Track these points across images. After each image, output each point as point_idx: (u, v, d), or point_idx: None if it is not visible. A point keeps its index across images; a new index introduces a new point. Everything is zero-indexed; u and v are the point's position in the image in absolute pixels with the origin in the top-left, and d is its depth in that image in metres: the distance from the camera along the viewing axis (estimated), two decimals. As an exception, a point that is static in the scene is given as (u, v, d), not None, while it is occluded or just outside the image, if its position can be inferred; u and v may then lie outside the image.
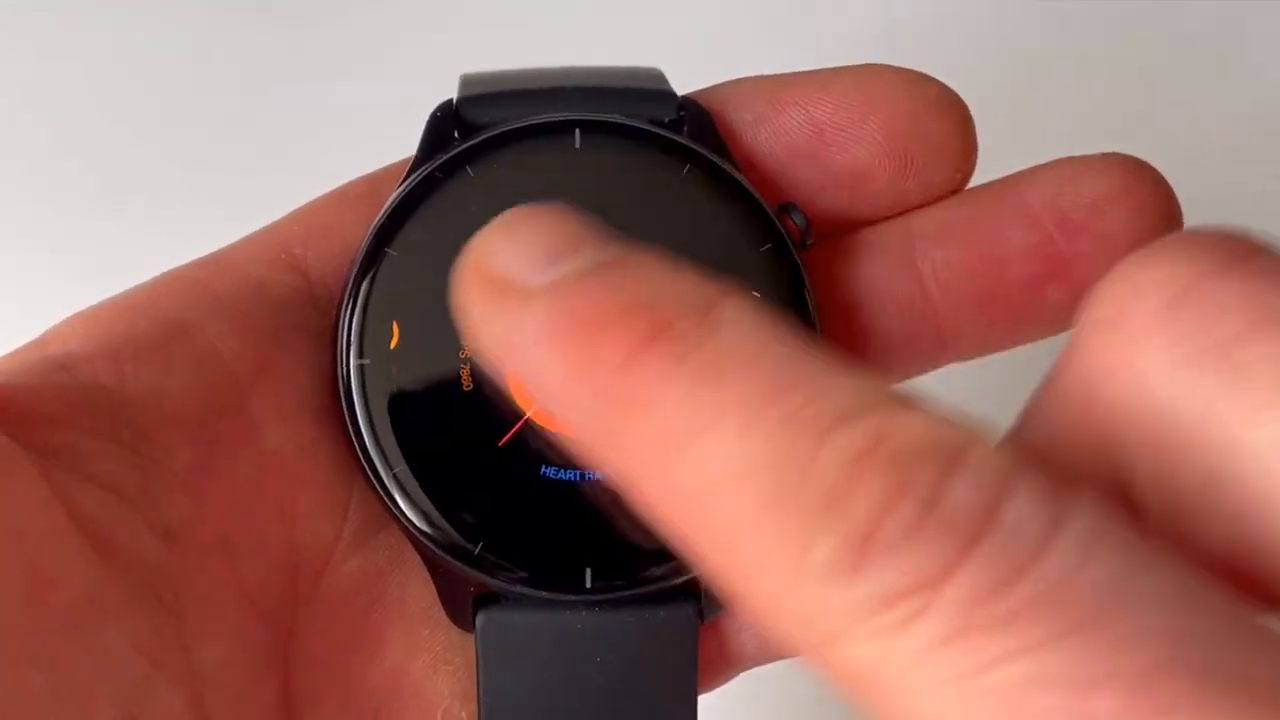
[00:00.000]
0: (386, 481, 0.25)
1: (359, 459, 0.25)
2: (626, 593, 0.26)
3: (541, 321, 0.17)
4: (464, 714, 0.27)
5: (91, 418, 0.23)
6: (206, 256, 0.26)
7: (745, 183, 0.26)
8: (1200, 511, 0.16)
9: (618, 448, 0.16)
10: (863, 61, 0.27)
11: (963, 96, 0.27)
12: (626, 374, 0.16)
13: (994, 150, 0.28)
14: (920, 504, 0.15)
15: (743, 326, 0.16)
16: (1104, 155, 0.26)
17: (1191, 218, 0.27)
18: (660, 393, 0.16)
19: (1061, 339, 0.27)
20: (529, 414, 0.25)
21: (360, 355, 0.25)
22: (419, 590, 0.26)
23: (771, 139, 0.27)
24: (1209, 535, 0.16)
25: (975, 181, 0.28)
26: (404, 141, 0.27)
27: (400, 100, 0.27)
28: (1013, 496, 0.15)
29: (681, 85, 0.27)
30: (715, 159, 0.26)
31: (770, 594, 0.16)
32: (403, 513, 0.25)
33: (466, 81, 0.27)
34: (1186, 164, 0.30)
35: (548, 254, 0.17)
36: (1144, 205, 0.26)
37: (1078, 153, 0.27)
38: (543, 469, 0.25)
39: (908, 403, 0.16)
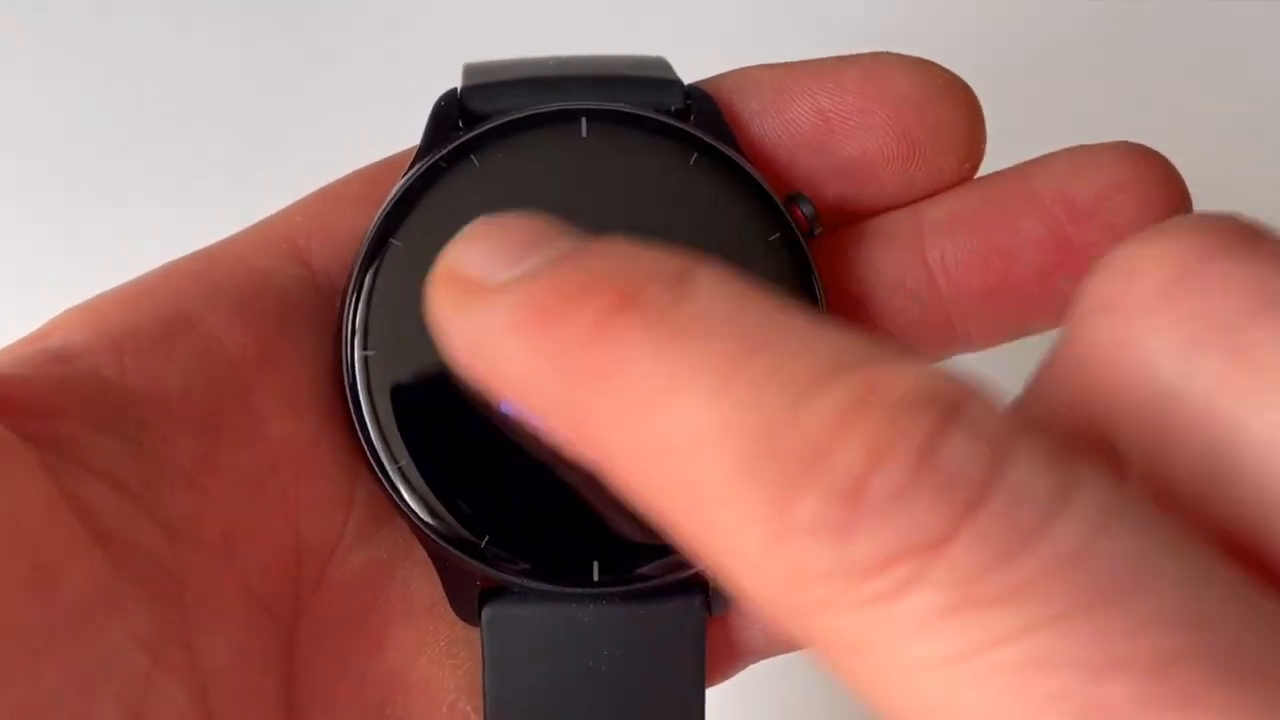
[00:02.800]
0: (391, 474, 0.25)
1: (364, 452, 0.25)
2: (634, 586, 0.25)
3: (507, 310, 0.16)
4: (470, 709, 0.26)
5: (92, 409, 0.23)
6: (208, 248, 0.26)
7: (753, 172, 0.26)
8: (1199, 496, 0.15)
9: (588, 423, 0.16)
10: (871, 50, 0.27)
11: (972, 85, 0.27)
12: (593, 344, 0.15)
13: (1005, 140, 0.28)
14: (915, 457, 0.14)
15: (716, 291, 0.15)
16: (1114, 144, 0.26)
17: (1203, 208, 0.27)
18: (628, 358, 0.15)
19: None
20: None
21: (365, 347, 0.25)
22: (424, 584, 0.26)
23: (778, 128, 0.27)
24: (1206, 520, 0.15)
25: (986, 170, 0.27)
26: (416, 132, 0.27)
27: (411, 91, 0.27)
28: (1018, 456, 0.14)
29: (688, 75, 0.27)
30: (722, 148, 0.26)
31: (750, 562, 0.14)
32: (408, 506, 0.25)
33: (470, 71, 0.27)
34: (1199, 153, 0.30)
35: (513, 251, 0.17)
36: (1154, 194, 0.26)
37: (1089, 141, 0.27)
38: (550, 461, 0.25)
39: (899, 355, 0.15)
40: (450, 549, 0.25)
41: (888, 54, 0.27)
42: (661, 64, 0.27)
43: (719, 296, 0.15)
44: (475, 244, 0.17)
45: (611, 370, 0.15)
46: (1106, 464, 0.15)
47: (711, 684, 0.27)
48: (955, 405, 0.14)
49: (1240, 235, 0.16)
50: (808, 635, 0.15)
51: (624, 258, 0.16)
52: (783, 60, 0.28)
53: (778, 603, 0.15)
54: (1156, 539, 0.14)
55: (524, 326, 0.16)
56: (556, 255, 0.16)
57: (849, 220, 0.27)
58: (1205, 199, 0.27)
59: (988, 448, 0.14)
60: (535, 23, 0.46)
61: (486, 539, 0.25)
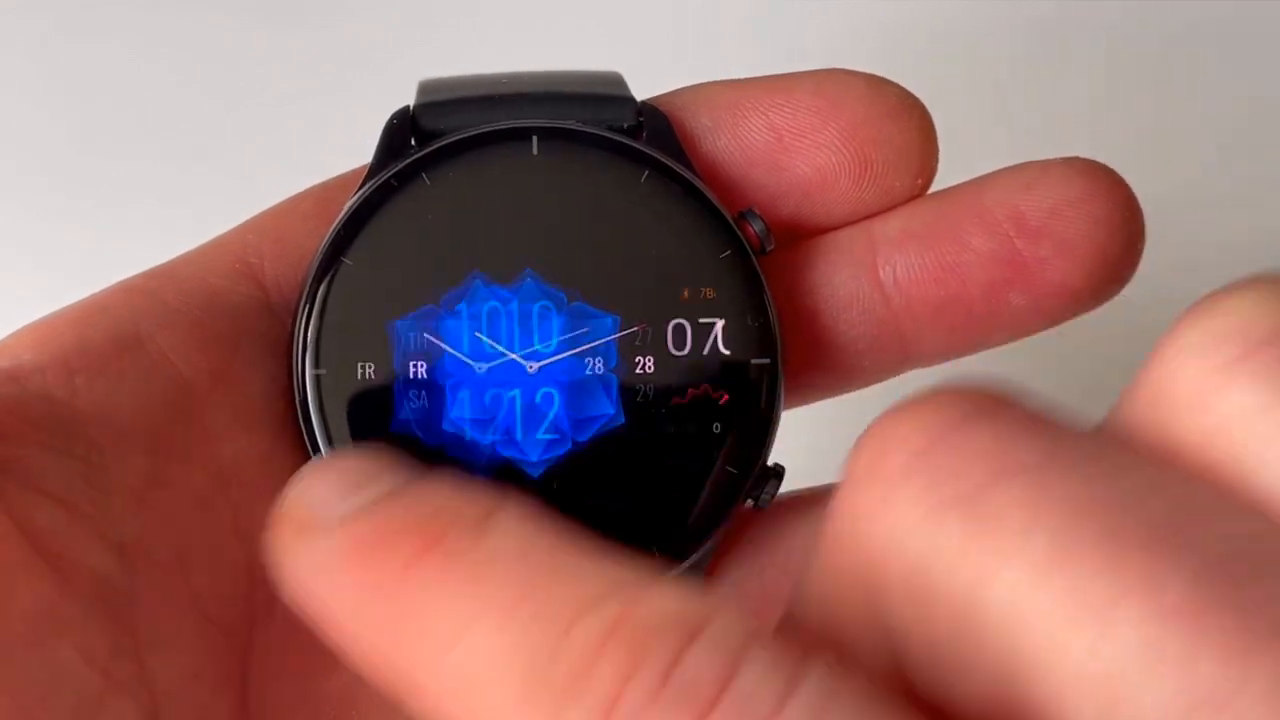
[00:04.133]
0: None
1: None
2: None
3: (334, 548, 0.18)
4: (424, 726, 0.26)
5: (42, 431, 0.23)
6: (159, 266, 0.26)
7: (704, 189, 0.26)
8: (956, 665, 0.16)
9: (397, 663, 0.17)
10: (827, 66, 0.27)
11: (926, 102, 0.27)
12: (404, 584, 0.17)
13: (959, 156, 0.28)
14: (659, 673, 0.15)
15: (511, 532, 0.17)
16: (1065, 159, 0.26)
17: (1155, 222, 0.27)
18: (431, 597, 0.17)
19: (1023, 344, 0.27)
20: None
21: (316, 365, 0.25)
22: (378, 601, 0.26)
23: (731, 144, 0.27)
24: (967, 688, 0.16)
25: (941, 186, 0.27)
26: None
27: (379, 104, 0.27)
28: (748, 663, 0.15)
29: (648, 90, 0.27)
30: (674, 165, 0.26)
31: None
32: None
33: (424, 88, 0.27)
34: (1152, 168, 0.30)
35: (343, 489, 0.18)
36: (1105, 209, 0.26)
37: (1042, 157, 0.27)
38: (502, 478, 0.25)
39: (656, 582, 0.16)
40: None
41: (841, 70, 0.27)
42: (615, 80, 0.27)
43: (512, 537, 0.17)
44: (313, 480, 0.19)
45: (417, 609, 0.17)
46: (835, 656, 0.16)
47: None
48: (698, 625, 0.16)
49: (984, 404, 0.16)
50: None
51: (438, 499, 0.18)
52: (743, 76, 0.28)
53: None
54: (870, 717, 0.15)
55: (347, 565, 0.18)
56: (381, 492, 0.18)
57: (802, 236, 0.27)
58: (1157, 215, 0.27)
59: (722, 659, 0.15)
60: (520, 35, 0.46)
61: None
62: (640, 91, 0.27)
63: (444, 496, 0.18)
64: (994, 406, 0.16)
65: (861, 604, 0.17)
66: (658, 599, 0.16)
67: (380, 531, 0.18)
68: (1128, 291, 0.27)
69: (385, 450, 0.19)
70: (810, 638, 0.17)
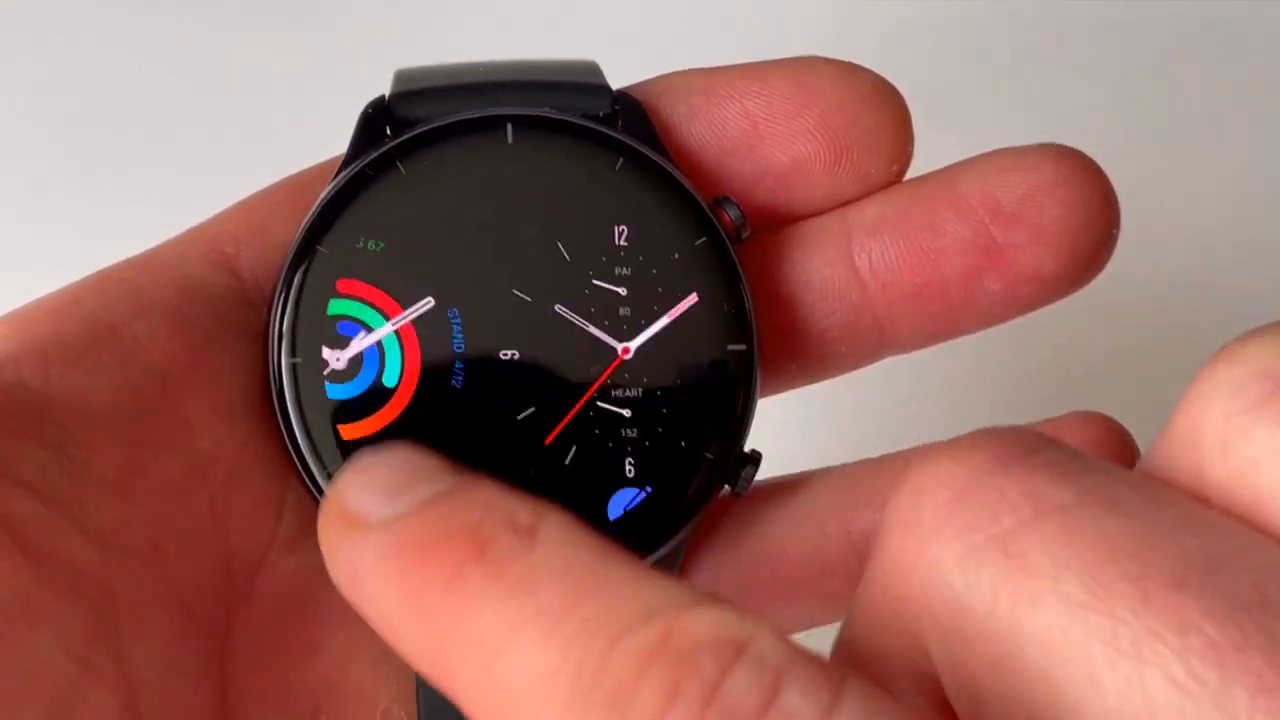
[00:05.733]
0: (320, 481, 0.25)
1: (292, 458, 0.25)
2: None
3: (379, 550, 0.18)
4: (404, 714, 0.26)
5: (17, 419, 0.23)
6: (136, 256, 0.26)
7: (679, 177, 0.26)
8: (995, 700, 0.16)
9: (445, 665, 0.18)
10: (802, 55, 0.27)
11: (901, 90, 0.27)
12: (450, 592, 0.17)
13: (934, 143, 0.28)
14: (704, 693, 0.16)
15: (556, 542, 0.18)
16: (1039, 146, 0.26)
17: (1130, 209, 0.27)
18: (476, 607, 0.17)
19: (1001, 330, 0.27)
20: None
21: (292, 354, 0.25)
22: (356, 590, 0.26)
23: (706, 132, 0.27)
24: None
25: (914, 173, 0.27)
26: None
27: (359, 94, 0.27)
28: (790, 682, 0.16)
29: (624, 79, 0.27)
30: (649, 153, 0.26)
31: None
32: None
33: (399, 77, 0.27)
34: (1128, 155, 0.30)
35: (389, 490, 0.19)
36: (1080, 195, 0.26)
37: (1018, 144, 0.27)
38: (480, 466, 0.25)
39: (701, 601, 0.17)
40: None
41: (816, 58, 0.27)
42: (591, 69, 0.27)
43: (558, 547, 0.17)
44: (358, 478, 0.19)
45: (462, 620, 0.17)
46: (871, 680, 0.16)
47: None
48: (740, 645, 0.16)
49: (1017, 449, 0.17)
50: None
51: (483, 505, 0.18)
52: (719, 64, 0.28)
53: None
54: None
55: (391, 569, 0.18)
56: (426, 496, 0.18)
57: (777, 224, 0.27)
58: (1131, 198, 0.27)
59: (765, 679, 0.16)
60: (510, 28, 0.46)
61: None
62: (617, 80, 0.27)
63: (489, 502, 0.18)
64: (1026, 450, 0.17)
65: (904, 638, 0.17)
66: (700, 618, 0.16)
67: (427, 537, 0.18)
68: (1103, 278, 0.27)
69: (419, 449, 0.19)
70: (848, 660, 0.17)
